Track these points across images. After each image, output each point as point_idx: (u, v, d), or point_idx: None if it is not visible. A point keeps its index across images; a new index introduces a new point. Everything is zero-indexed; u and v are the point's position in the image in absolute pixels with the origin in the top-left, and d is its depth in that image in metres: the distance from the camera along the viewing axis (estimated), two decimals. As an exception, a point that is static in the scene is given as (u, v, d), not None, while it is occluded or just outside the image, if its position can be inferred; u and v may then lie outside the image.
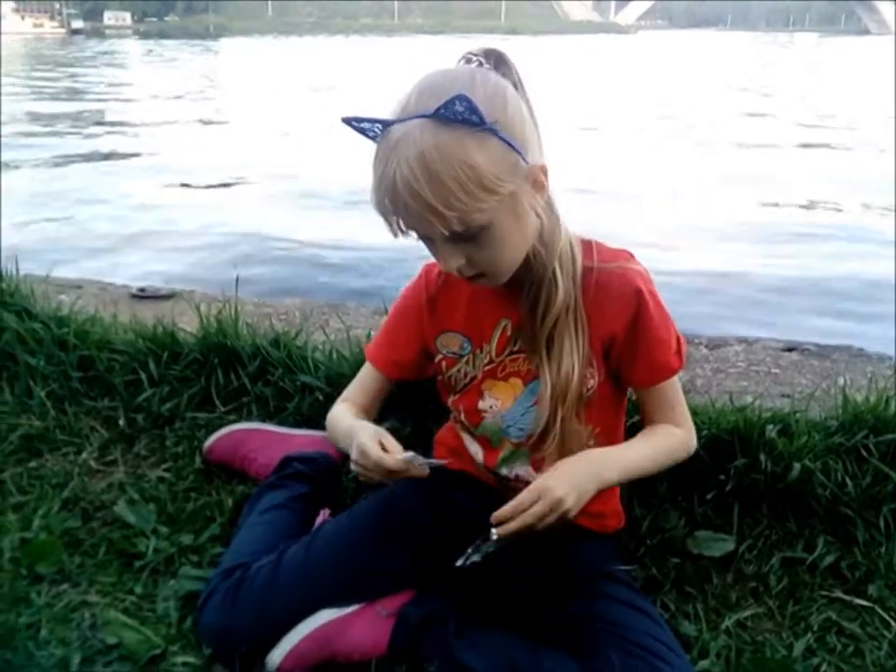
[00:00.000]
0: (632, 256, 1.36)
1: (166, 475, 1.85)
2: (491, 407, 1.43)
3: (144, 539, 1.65)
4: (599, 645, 1.28)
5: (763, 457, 1.69)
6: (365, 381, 1.57)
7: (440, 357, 1.47)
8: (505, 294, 1.36)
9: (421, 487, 1.53)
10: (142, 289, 2.97)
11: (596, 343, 1.34)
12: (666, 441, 1.41)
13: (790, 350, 2.38)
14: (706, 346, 2.45)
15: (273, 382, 2.04)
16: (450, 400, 1.51)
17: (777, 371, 2.23)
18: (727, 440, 1.72)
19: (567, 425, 1.34)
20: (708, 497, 1.69)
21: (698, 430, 1.73)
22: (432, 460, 1.33)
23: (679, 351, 1.38)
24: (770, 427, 1.75)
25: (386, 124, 1.15)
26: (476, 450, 1.50)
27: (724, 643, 1.42)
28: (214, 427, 1.97)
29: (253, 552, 1.48)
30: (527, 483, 1.43)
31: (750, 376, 2.20)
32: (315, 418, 1.93)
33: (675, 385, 1.42)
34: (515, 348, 1.39)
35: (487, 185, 1.12)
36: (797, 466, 1.66)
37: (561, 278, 1.30)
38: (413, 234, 1.20)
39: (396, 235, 1.20)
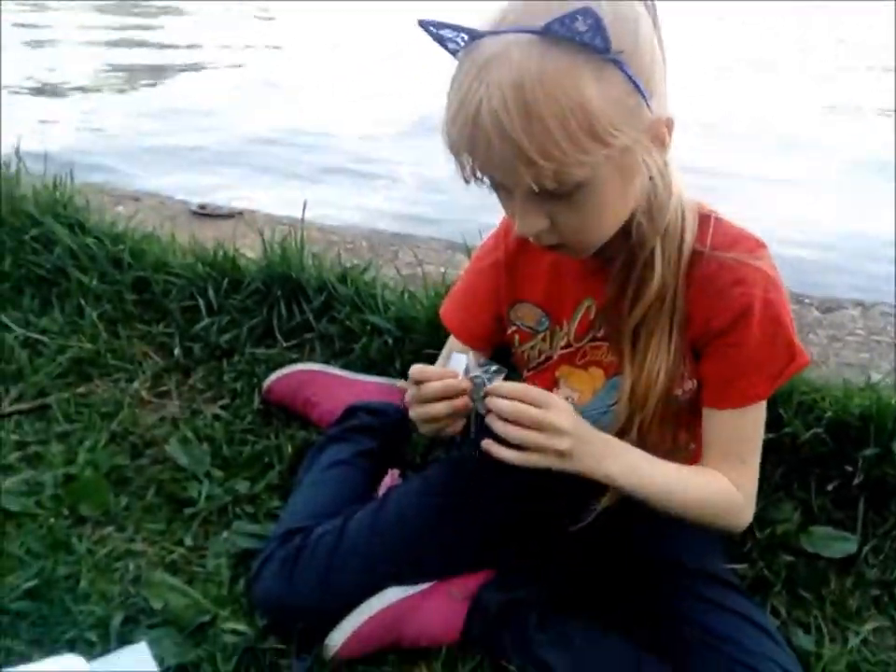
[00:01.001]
0: (761, 245, 1.10)
1: (222, 413, 1.70)
2: (567, 399, 1.21)
3: (196, 484, 1.51)
4: (707, 663, 1.09)
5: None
6: (444, 354, 1.38)
7: (512, 328, 1.27)
8: (594, 268, 1.14)
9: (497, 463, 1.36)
10: (202, 206, 2.80)
11: (692, 342, 1.12)
12: (711, 487, 1.12)
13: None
14: (817, 308, 2.20)
15: (340, 320, 1.87)
16: (524, 376, 1.31)
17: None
18: (857, 425, 1.50)
19: (646, 433, 1.13)
20: (829, 487, 1.48)
21: (821, 411, 1.53)
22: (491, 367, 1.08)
23: (774, 379, 1.11)
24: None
25: (475, 35, 0.90)
26: None
27: (848, 661, 1.22)
28: (274, 363, 1.81)
29: (314, 514, 1.32)
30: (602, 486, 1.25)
31: (871, 347, 1.95)
32: (384, 364, 1.76)
33: (753, 421, 1.14)
34: (599, 334, 1.18)
35: (598, 132, 0.86)
36: (938, 461, 1.44)
37: (660, 261, 1.07)
38: (488, 182, 0.98)
39: (468, 181, 0.97)
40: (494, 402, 1.01)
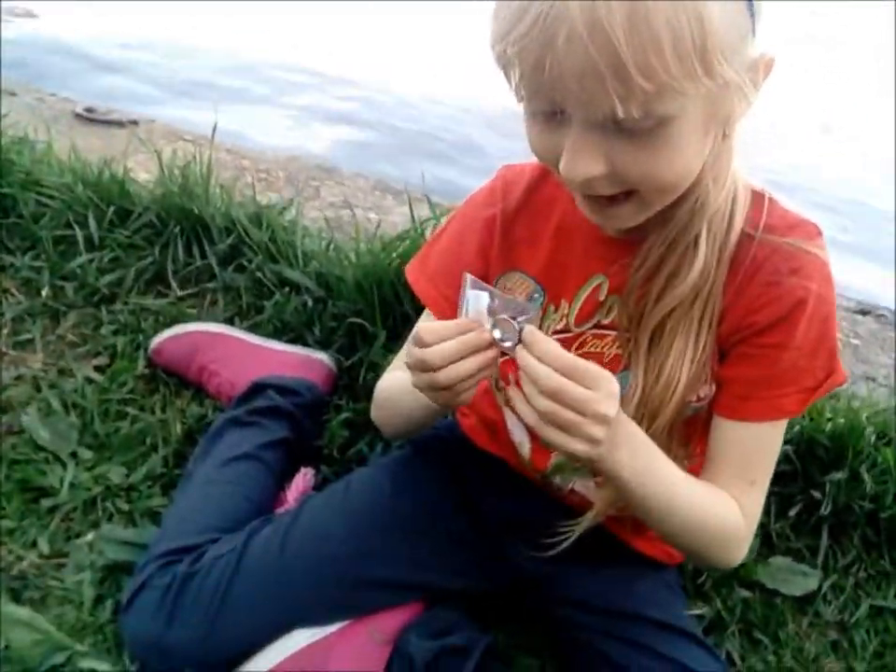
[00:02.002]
0: (819, 232, 0.90)
1: (97, 377, 1.40)
2: None
3: (58, 468, 1.23)
4: None
5: (865, 474, 1.33)
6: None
7: None
8: (611, 241, 0.92)
9: (439, 471, 1.14)
10: (89, 109, 2.40)
11: (721, 339, 0.92)
12: (719, 508, 0.91)
13: (863, 313, 2.00)
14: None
15: (250, 270, 1.58)
16: (500, 361, 1.08)
17: (857, 342, 1.86)
18: (826, 444, 1.36)
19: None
20: (791, 512, 1.34)
21: (789, 425, 1.38)
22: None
23: (810, 393, 0.91)
24: (869, 429, 1.40)
25: None
26: (521, 439, 1.09)
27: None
28: (166, 317, 1.52)
29: (207, 527, 1.07)
30: (586, 499, 1.06)
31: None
32: (300, 330, 1.50)
33: (774, 439, 0.94)
34: (606, 321, 0.96)
35: (708, 57, 0.67)
36: (909, 493, 1.31)
37: (704, 247, 0.86)
38: (541, 105, 0.74)
39: (519, 99, 0.74)
40: (529, 365, 0.75)
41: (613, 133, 0.72)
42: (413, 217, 1.58)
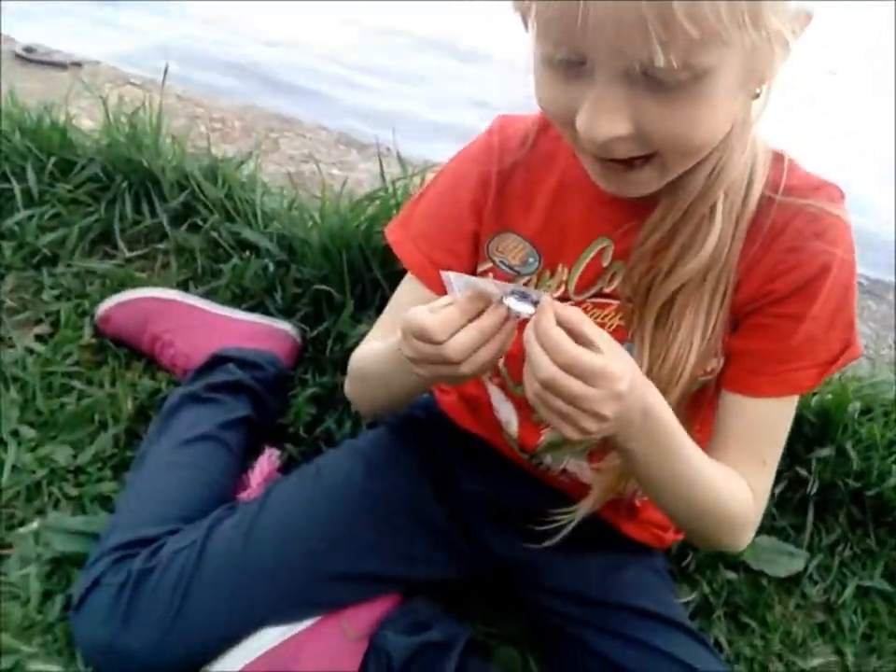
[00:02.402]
0: (842, 195, 0.83)
1: (38, 347, 1.28)
2: None
3: (-2, 450, 1.12)
4: None
5: (851, 451, 1.29)
6: (402, 299, 0.97)
7: (487, 266, 0.95)
8: (618, 202, 0.83)
9: (415, 454, 1.06)
10: (29, 48, 2.21)
11: (734, 310, 0.84)
12: (729, 486, 0.84)
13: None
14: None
15: (205, 230, 1.46)
16: None
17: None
18: (811, 420, 1.31)
19: None
20: (777, 490, 1.29)
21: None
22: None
23: (824, 367, 0.84)
24: (853, 404, 1.35)
25: None
26: (509, 416, 1.01)
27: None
28: (113, 281, 1.40)
29: (163, 516, 0.98)
30: (578, 481, 0.99)
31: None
32: (261, 296, 1.40)
33: (786, 416, 0.87)
34: (609, 289, 0.88)
35: (758, 9, 0.59)
36: (895, 470, 1.28)
37: (721, 217, 0.78)
38: (560, 51, 0.65)
39: (538, 44, 0.66)
40: (543, 328, 0.66)
41: (641, 88, 0.64)
42: (382, 175, 1.47)
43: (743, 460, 0.85)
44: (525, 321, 0.69)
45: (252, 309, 1.39)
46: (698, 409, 0.91)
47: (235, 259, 1.42)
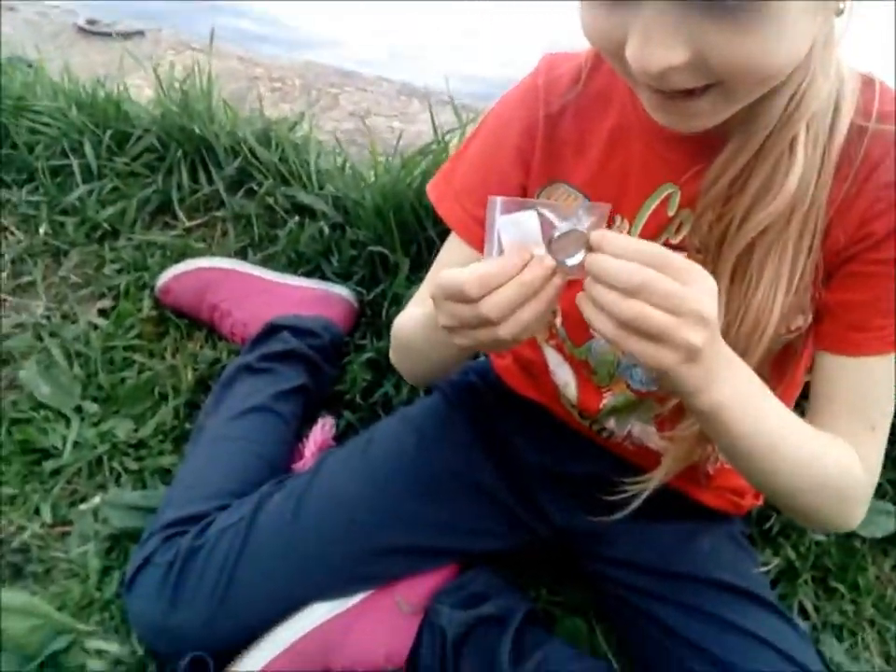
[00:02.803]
0: None
1: (101, 322, 1.30)
2: None
3: (61, 426, 1.14)
4: None
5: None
6: (445, 260, 0.90)
7: None
8: (683, 142, 0.74)
9: (471, 424, 1.02)
10: (91, 21, 2.23)
11: (826, 258, 0.75)
12: (834, 453, 0.74)
13: None
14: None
15: (260, 196, 1.44)
16: None
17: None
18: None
19: None
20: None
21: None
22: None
23: None
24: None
25: None
26: (567, 379, 0.95)
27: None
28: (174, 251, 1.40)
29: (214, 492, 0.98)
30: (644, 447, 0.92)
31: None
32: (317, 260, 1.37)
33: (892, 373, 0.76)
34: (675, 241, 0.79)
35: None
36: None
37: (802, 154, 0.68)
38: None
39: None
40: (606, 267, 0.59)
41: (699, 10, 0.55)
42: (433, 126, 1.41)
43: (849, 427, 0.76)
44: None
45: (309, 274, 1.37)
46: (782, 370, 0.82)
47: (291, 224, 1.40)
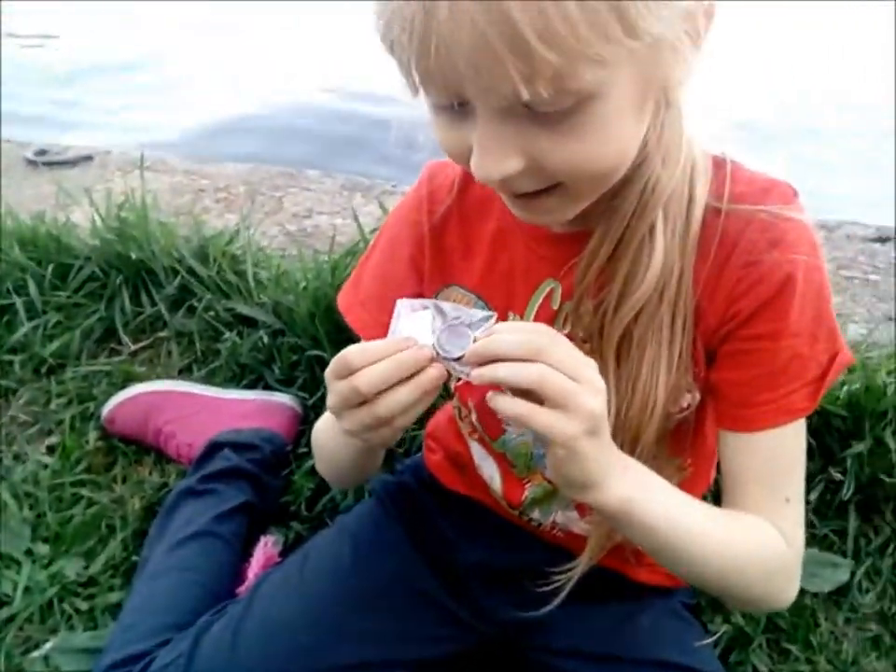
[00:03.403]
0: (795, 192, 0.76)
1: (48, 460, 1.32)
2: (515, 429, 0.89)
3: (11, 572, 1.15)
4: None
5: (890, 440, 1.19)
6: None
7: None
8: (558, 239, 0.79)
9: (405, 525, 1.03)
10: (41, 152, 2.30)
11: (700, 338, 0.78)
12: (754, 534, 0.76)
13: (882, 241, 1.82)
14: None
15: (200, 311, 1.48)
16: (452, 384, 0.97)
17: (876, 276, 1.69)
18: (841, 414, 1.21)
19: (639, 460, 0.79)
20: (812, 496, 1.20)
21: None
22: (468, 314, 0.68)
23: (817, 384, 0.76)
24: (892, 385, 1.24)
25: None
26: (492, 472, 0.97)
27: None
28: (118, 379, 1.43)
29: (155, 627, 0.98)
30: (571, 533, 0.94)
31: (842, 286, 1.65)
32: (259, 369, 1.40)
33: (796, 442, 0.78)
34: (564, 332, 0.81)
35: (626, 11, 0.53)
36: (943, 456, 1.16)
37: (662, 238, 0.72)
38: (438, 97, 0.61)
39: (415, 92, 0.61)
40: (497, 340, 0.63)
41: (527, 120, 0.59)
42: (360, 226, 1.45)
43: (764, 503, 0.77)
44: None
45: (253, 384, 1.40)
46: (682, 444, 0.85)
47: (231, 336, 1.43)
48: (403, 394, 0.64)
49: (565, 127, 0.59)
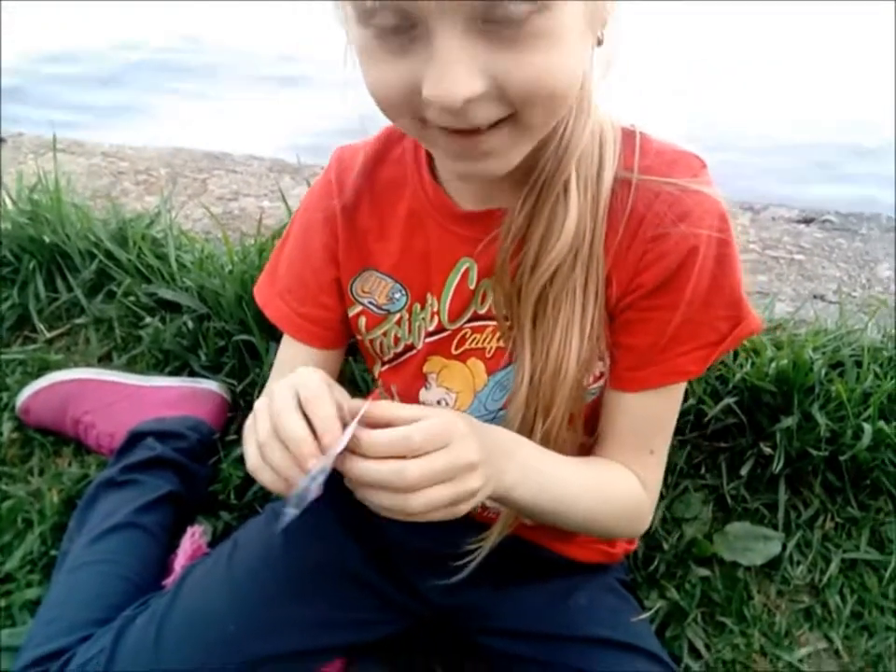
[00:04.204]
0: (703, 164, 0.76)
1: (-41, 452, 1.25)
2: (440, 402, 0.88)
3: (-81, 570, 1.08)
4: None
5: (818, 414, 1.21)
6: (285, 360, 0.94)
7: (357, 310, 0.89)
8: (471, 217, 0.79)
9: (334, 508, 1.00)
10: (-51, 132, 2.18)
11: (608, 306, 0.79)
12: (617, 486, 0.84)
13: (807, 222, 1.86)
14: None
15: (119, 296, 1.41)
16: (377, 371, 0.95)
17: (801, 256, 1.72)
18: (770, 389, 1.23)
19: (551, 438, 0.80)
20: (743, 471, 1.22)
21: (728, 373, 1.25)
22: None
23: (710, 349, 0.79)
24: (819, 361, 1.27)
25: None
26: None
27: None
28: (34, 367, 1.36)
29: (75, 622, 0.93)
30: (487, 509, 0.93)
31: (768, 266, 1.68)
32: (185, 356, 1.34)
33: (673, 401, 0.84)
34: (482, 311, 0.82)
35: None
36: (867, 428, 1.19)
37: (576, 195, 0.73)
38: (384, 17, 0.58)
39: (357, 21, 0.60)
40: (366, 445, 0.63)
41: (486, 41, 0.57)
42: (288, 208, 1.41)
43: (631, 454, 0.84)
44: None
45: (178, 370, 1.35)
46: (593, 418, 0.87)
47: (154, 322, 1.37)
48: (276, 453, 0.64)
49: (524, 40, 0.58)
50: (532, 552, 0.97)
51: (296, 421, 0.63)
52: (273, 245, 1.36)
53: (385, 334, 0.89)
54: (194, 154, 2.16)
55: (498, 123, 0.63)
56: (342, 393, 0.68)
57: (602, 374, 0.82)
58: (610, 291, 0.77)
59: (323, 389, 0.65)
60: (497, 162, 0.67)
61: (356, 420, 0.64)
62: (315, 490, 0.63)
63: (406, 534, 0.97)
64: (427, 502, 0.63)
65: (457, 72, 0.58)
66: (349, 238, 0.85)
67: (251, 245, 1.41)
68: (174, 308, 1.39)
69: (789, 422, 1.20)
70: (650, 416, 0.83)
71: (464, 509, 0.67)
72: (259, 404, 0.67)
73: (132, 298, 1.41)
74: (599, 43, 0.66)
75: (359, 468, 0.63)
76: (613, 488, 0.84)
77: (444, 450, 0.63)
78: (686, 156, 0.76)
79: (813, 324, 1.40)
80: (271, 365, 1.24)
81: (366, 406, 0.65)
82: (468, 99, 0.58)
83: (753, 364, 1.25)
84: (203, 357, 1.34)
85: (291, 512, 0.63)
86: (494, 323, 0.82)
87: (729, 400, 1.21)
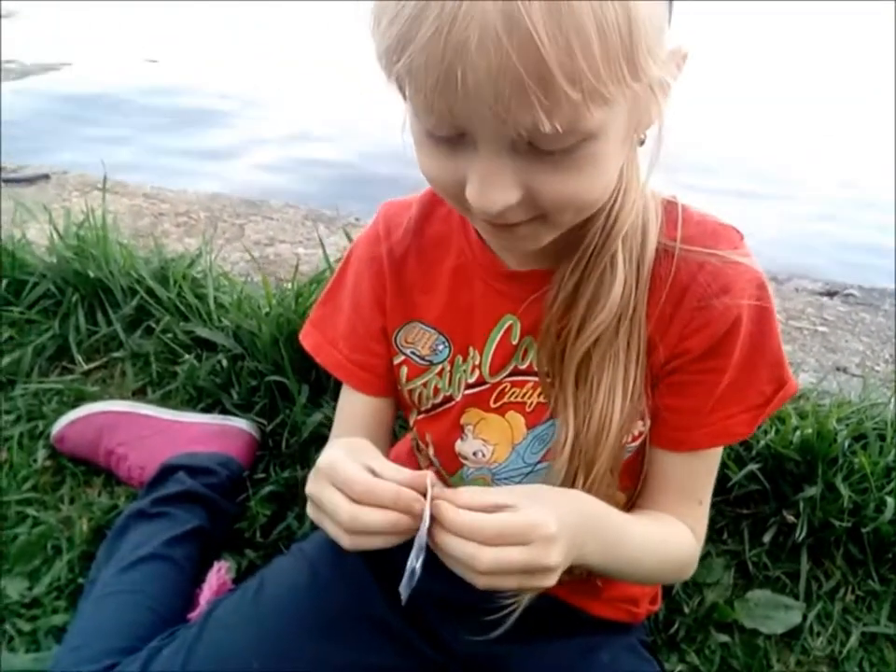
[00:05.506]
0: (741, 235, 0.80)
1: (-7, 477, 1.27)
2: (476, 454, 0.89)
3: (-51, 592, 1.10)
4: None
5: (841, 485, 1.21)
6: (345, 408, 0.96)
7: (400, 358, 0.91)
8: (517, 276, 0.81)
9: (366, 552, 1.01)
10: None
11: (652, 370, 0.81)
12: (673, 540, 0.85)
13: (830, 295, 1.88)
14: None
15: (157, 332, 1.45)
16: (412, 420, 0.97)
17: (825, 328, 1.74)
18: (795, 458, 1.24)
19: (591, 493, 0.80)
20: (766, 538, 1.22)
21: (752, 441, 1.27)
22: None
23: (757, 411, 0.82)
24: (843, 432, 1.28)
25: None
26: None
27: None
28: (70, 397, 1.39)
29: (103, 650, 0.94)
30: None
31: (792, 336, 1.70)
32: (217, 394, 1.37)
33: (715, 462, 0.88)
34: (523, 366, 0.84)
35: (635, 56, 0.55)
36: (890, 502, 1.19)
37: (622, 266, 0.75)
38: (439, 126, 0.61)
39: (415, 119, 0.63)
40: (450, 520, 0.66)
41: (525, 156, 0.60)
42: (325, 255, 1.45)
43: (682, 506, 0.86)
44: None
45: (209, 408, 1.37)
46: (635, 475, 0.88)
47: (189, 359, 1.40)
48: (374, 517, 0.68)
49: (565, 164, 0.61)
50: (558, 608, 0.97)
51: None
52: (310, 291, 1.41)
53: (425, 385, 0.91)
54: (232, 199, 2.22)
55: (530, 220, 0.66)
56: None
57: (641, 433, 0.84)
58: (656, 355, 0.80)
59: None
60: (530, 244, 0.71)
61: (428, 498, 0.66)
62: (419, 569, 0.68)
63: (437, 583, 0.99)
64: (492, 585, 0.66)
65: (497, 186, 0.61)
66: (396, 289, 0.88)
67: (288, 289, 1.44)
68: (209, 346, 1.43)
69: (812, 491, 1.21)
70: (698, 472, 0.85)
71: (545, 583, 0.67)
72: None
73: (169, 335, 1.44)
74: (641, 143, 0.69)
75: (439, 540, 0.67)
76: (673, 544, 0.85)
77: (524, 548, 0.64)
78: (726, 228, 0.80)
79: (836, 395, 1.42)
80: (302, 406, 1.28)
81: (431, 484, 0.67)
82: (502, 210, 0.62)
83: (778, 431, 1.27)
84: (236, 396, 1.36)
85: (406, 591, 0.69)
86: (534, 378, 0.84)
87: (753, 467, 1.23)
